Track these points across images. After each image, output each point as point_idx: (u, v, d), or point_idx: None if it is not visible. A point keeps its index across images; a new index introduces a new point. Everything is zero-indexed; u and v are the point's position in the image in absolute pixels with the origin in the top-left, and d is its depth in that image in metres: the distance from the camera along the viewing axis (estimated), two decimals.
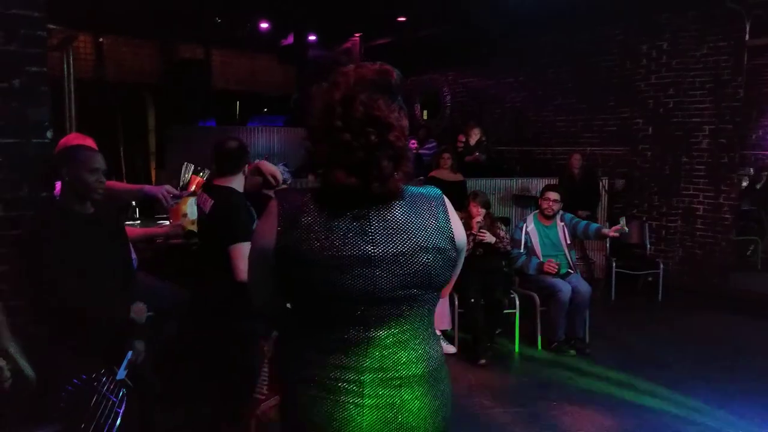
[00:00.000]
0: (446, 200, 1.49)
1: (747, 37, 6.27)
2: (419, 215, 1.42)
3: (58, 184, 2.69)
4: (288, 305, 1.52)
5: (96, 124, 7.35)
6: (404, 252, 1.38)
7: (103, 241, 2.56)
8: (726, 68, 6.44)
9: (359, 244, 1.36)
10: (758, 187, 7.70)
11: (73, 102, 5.16)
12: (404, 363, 1.42)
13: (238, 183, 3.11)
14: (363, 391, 1.38)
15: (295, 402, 1.43)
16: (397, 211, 1.40)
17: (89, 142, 3.03)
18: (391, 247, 1.37)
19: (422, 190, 1.48)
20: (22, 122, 2.59)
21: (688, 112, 6.79)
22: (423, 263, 1.39)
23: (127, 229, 2.94)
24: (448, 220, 1.45)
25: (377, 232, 1.37)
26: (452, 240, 1.44)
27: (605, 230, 4.82)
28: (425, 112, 10.56)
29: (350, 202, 1.37)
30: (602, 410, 3.69)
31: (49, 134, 2.64)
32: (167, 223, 3.73)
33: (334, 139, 1.33)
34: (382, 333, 1.40)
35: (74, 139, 3.06)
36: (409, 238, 1.39)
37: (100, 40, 9.10)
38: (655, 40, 7.02)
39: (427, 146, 8.76)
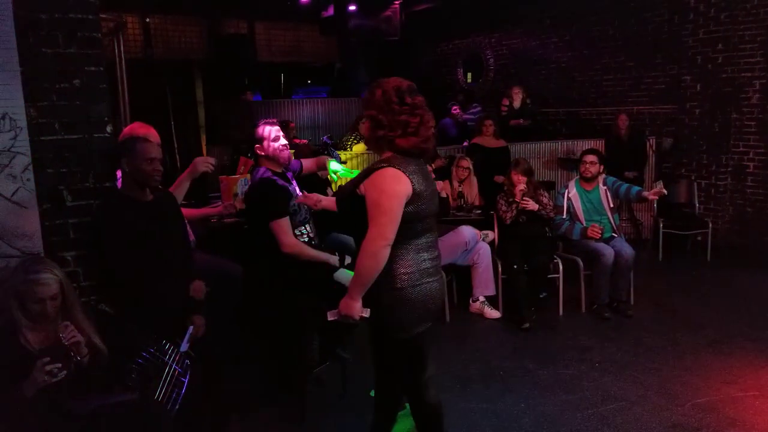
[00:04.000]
0: None
1: None
2: (426, 165, 2.41)
3: (119, 173, 2.93)
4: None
5: (147, 102, 7.67)
6: (435, 187, 2.40)
7: (162, 225, 2.79)
8: None
9: (428, 183, 2.32)
10: None
11: (126, 85, 5.42)
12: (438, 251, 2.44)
13: (267, 161, 3.29)
14: (438, 270, 2.38)
15: (419, 290, 2.28)
16: (422, 162, 2.36)
17: (152, 131, 3.28)
18: (432, 185, 2.36)
19: None
20: (85, 119, 2.81)
21: (738, 66, 6.54)
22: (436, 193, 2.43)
23: (184, 210, 3.17)
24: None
25: (426, 175, 2.32)
26: None
27: (645, 193, 4.79)
28: (469, 75, 10.46)
29: (412, 158, 2.28)
30: (644, 371, 3.76)
31: (108, 129, 2.85)
32: (220, 203, 3.95)
33: (395, 120, 2.23)
34: (436, 234, 2.42)
35: (138, 128, 3.29)
36: (432, 179, 2.40)
37: (147, 20, 9.37)
38: None
39: (471, 111, 8.73)
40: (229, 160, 6.61)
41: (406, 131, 2.23)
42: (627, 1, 7.57)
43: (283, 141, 3.30)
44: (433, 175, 4.99)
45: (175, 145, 9.18)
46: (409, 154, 2.27)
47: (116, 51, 5.38)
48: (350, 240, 4.44)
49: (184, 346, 2.62)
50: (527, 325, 4.52)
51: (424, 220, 2.30)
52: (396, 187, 2.18)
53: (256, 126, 3.32)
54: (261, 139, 3.26)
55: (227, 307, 3.38)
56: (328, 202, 2.94)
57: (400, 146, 2.24)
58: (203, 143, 9.61)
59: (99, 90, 2.82)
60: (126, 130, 3.36)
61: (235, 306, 3.43)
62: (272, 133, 3.26)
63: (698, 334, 4.32)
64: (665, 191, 4.69)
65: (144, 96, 7.61)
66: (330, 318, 2.31)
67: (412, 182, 2.21)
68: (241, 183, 3.79)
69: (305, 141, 6.20)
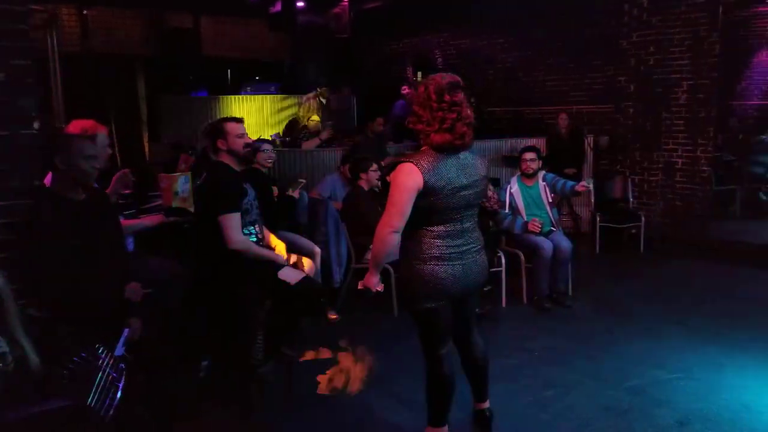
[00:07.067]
0: None
1: None
2: (475, 159, 2.58)
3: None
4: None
5: (85, 98, 7.42)
6: (476, 180, 2.53)
7: (95, 224, 2.70)
8: (703, 24, 6.50)
9: (459, 178, 2.46)
10: (740, 137, 7.79)
11: (59, 80, 5.20)
12: (476, 239, 2.62)
13: (227, 157, 3.30)
14: (461, 257, 2.53)
15: (428, 270, 2.49)
16: (468, 156, 2.54)
17: (101, 130, 3.21)
18: (472, 178, 2.50)
19: None
20: (10, 114, 2.67)
21: (668, 68, 6.86)
22: (481, 185, 2.59)
23: (123, 222, 3.10)
24: (484, 164, 2.64)
25: (464, 170, 2.48)
26: (486, 173, 2.67)
27: (576, 187, 4.98)
28: (419, 74, 10.54)
29: (446, 153, 2.45)
30: (580, 359, 3.90)
31: (36, 125, 2.73)
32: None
33: (433, 115, 2.41)
34: (468, 224, 2.57)
35: (93, 127, 3.18)
36: (476, 172, 2.55)
37: (85, 12, 9.02)
38: None
39: None
40: (169, 158, 6.46)
41: (442, 127, 2.40)
42: (567, 5, 7.80)
43: (246, 139, 3.34)
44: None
45: (115, 143, 8.91)
46: (441, 149, 2.44)
47: (49, 44, 5.17)
48: (297, 238, 4.43)
49: (120, 350, 2.54)
50: (478, 309, 4.57)
51: (442, 212, 2.46)
52: (407, 182, 2.39)
53: (221, 121, 3.33)
54: (225, 134, 3.26)
55: (167, 308, 3.31)
56: None
57: (434, 141, 2.43)
58: (145, 140, 9.37)
59: (26, 84, 2.68)
60: (79, 127, 3.21)
61: (174, 307, 3.36)
62: (238, 130, 3.29)
63: (631, 322, 4.52)
64: (591, 187, 4.96)
65: (81, 91, 7.37)
66: (360, 287, 2.67)
67: (425, 178, 2.38)
68: (181, 181, 3.68)
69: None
